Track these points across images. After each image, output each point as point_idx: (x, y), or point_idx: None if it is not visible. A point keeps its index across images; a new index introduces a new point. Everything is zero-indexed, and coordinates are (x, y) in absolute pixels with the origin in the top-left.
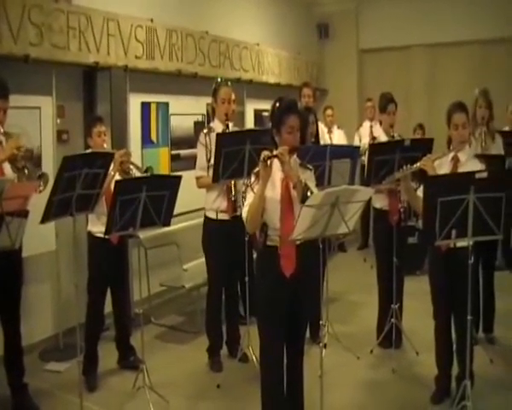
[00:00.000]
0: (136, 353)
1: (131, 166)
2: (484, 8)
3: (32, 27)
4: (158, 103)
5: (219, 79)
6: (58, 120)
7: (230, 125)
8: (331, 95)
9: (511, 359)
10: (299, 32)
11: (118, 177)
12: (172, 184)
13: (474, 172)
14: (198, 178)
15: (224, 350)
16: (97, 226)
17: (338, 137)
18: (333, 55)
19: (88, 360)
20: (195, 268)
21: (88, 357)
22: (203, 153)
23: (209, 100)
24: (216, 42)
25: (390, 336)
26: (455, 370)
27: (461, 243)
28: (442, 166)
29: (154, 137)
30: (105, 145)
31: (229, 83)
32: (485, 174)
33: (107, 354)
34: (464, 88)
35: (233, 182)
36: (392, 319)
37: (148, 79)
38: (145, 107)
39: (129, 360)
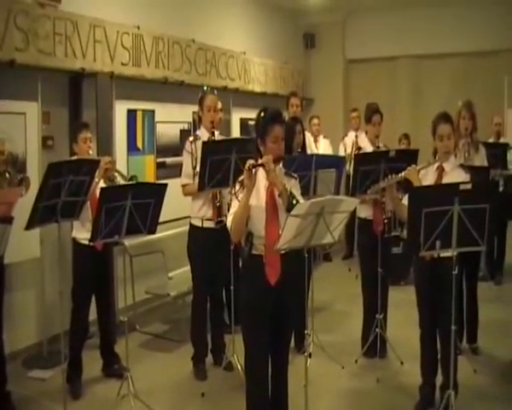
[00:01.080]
0: (121, 360)
1: (116, 174)
2: (467, 22)
3: (17, 32)
4: (144, 111)
5: (205, 88)
6: (43, 126)
7: (216, 133)
8: (317, 104)
9: (494, 369)
10: (286, 41)
11: (102, 184)
12: (158, 191)
13: (458, 184)
14: (184, 186)
15: (209, 359)
16: (82, 233)
17: (323, 147)
18: (319, 65)
19: (72, 368)
20: (181, 276)
21: (72, 365)
22: (189, 161)
23: (195, 108)
24: (202, 50)
25: (375, 345)
26: (439, 379)
27: (445, 254)
28: (427, 176)
29: (139, 144)
30: (90, 152)
31: (216, 91)
32: (469, 185)
33: (92, 362)
34: (448, 99)
35: (218, 190)
36: (377, 329)
37: (134, 86)
38: (131, 114)
39: (113, 367)
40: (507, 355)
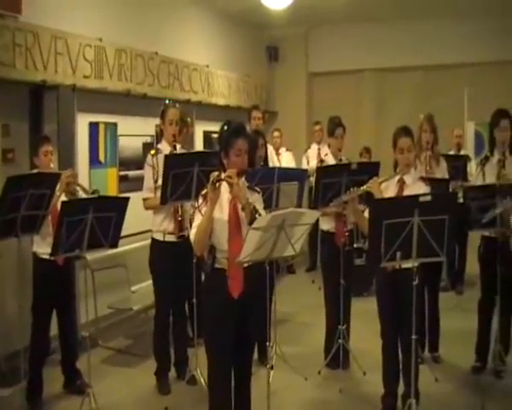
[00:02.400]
0: (83, 377)
1: (78, 188)
2: (428, 36)
3: None
4: (106, 123)
5: (167, 101)
6: (3, 139)
7: (178, 146)
8: (280, 117)
9: (455, 377)
10: (249, 54)
11: (64, 198)
12: (120, 205)
13: (418, 196)
14: (145, 200)
15: (173, 372)
16: (43, 247)
17: (286, 160)
18: (282, 78)
19: (32, 385)
20: (143, 290)
21: (32, 382)
22: (150, 174)
23: (158, 121)
24: (165, 63)
25: (337, 356)
26: (401, 389)
27: (406, 265)
28: (388, 189)
29: (102, 157)
30: (52, 165)
31: (177, 104)
32: (428, 197)
33: (53, 379)
34: (410, 112)
35: (180, 204)
36: (340, 340)
37: (96, 98)
38: (93, 127)
39: (75, 384)
40: (467, 363)
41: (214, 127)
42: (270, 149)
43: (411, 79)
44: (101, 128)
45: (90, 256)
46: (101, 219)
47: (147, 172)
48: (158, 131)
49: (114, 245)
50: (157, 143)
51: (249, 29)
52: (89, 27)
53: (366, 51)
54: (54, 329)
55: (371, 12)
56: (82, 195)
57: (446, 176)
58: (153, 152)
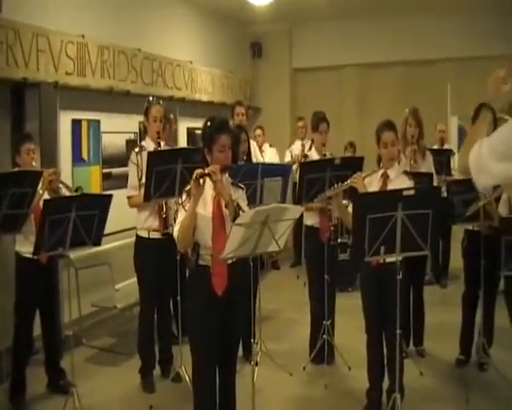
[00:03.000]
0: (67, 376)
1: (61, 186)
2: (411, 31)
3: None
4: (89, 121)
5: (151, 98)
6: None
7: (162, 143)
8: (264, 113)
9: (440, 370)
10: (233, 50)
11: (47, 196)
12: (103, 203)
13: (401, 190)
14: (129, 198)
15: (157, 370)
16: (25, 246)
17: (270, 156)
18: (266, 74)
19: (15, 386)
20: (128, 288)
21: (15, 382)
22: (134, 172)
23: (141, 118)
24: (149, 59)
25: (322, 352)
26: (386, 383)
27: (390, 259)
28: (372, 184)
29: (85, 155)
30: (34, 163)
31: (161, 101)
32: (412, 191)
33: (36, 379)
34: (393, 107)
35: (164, 201)
36: (325, 336)
37: (79, 96)
38: (76, 124)
39: (59, 383)
40: (452, 357)
41: (198, 124)
42: (254, 144)
43: (394, 75)
44: (84, 125)
45: (74, 255)
46: (84, 217)
47: (131, 170)
48: (142, 129)
49: (98, 243)
50: (141, 141)
51: (233, 25)
52: (71, 24)
53: (349, 47)
54: (37, 329)
55: (354, 9)
56: (65, 193)
57: (432, 170)
58: (137, 149)
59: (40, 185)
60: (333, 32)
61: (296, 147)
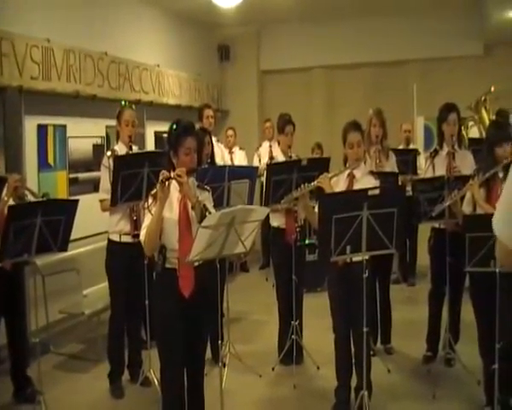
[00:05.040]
0: (34, 384)
1: (27, 192)
2: (376, 33)
3: None
4: (55, 126)
5: (123, 103)
6: None
7: (134, 147)
8: (232, 116)
9: (407, 367)
10: (200, 53)
11: (12, 202)
12: (69, 208)
13: (366, 190)
14: (102, 201)
15: (126, 375)
16: None
17: (239, 158)
18: (234, 77)
19: None
20: (96, 294)
21: None
22: (106, 176)
23: (109, 122)
24: (115, 63)
25: (291, 352)
26: (354, 381)
27: (357, 258)
28: (339, 184)
29: (51, 160)
30: None
31: (134, 106)
32: (377, 191)
33: (2, 388)
34: (360, 108)
35: (134, 204)
36: (293, 336)
37: (44, 100)
38: (41, 129)
39: (25, 392)
40: (419, 353)
41: (165, 127)
42: (222, 147)
43: (361, 76)
44: (50, 130)
45: (41, 261)
46: (49, 222)
47: (103, 174)
48: (108, 133)
49: (64, 249)
50: (109, 145)
51: (200, 28)
52: (36, 28)
53: (316, 49)
54: (2, 337)
55: (321, 11)
56: (31, 199)
57: (396, 170)
58: (109, 153)
59: (5, 192)
60: (300, 35)
61: (264, 149)
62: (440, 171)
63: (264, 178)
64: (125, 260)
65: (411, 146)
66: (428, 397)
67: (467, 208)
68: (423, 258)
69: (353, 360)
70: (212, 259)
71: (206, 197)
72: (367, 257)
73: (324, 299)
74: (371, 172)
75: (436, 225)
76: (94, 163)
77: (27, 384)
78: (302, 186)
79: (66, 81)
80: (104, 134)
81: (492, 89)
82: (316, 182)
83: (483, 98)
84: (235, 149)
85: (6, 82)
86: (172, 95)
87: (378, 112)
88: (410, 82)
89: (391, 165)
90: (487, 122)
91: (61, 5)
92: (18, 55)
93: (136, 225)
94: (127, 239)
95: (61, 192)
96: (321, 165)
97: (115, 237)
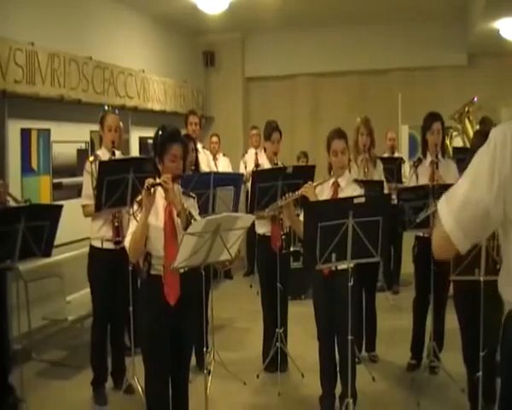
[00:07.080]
0: (16, 391)
1: (9, 198)
2: (362, 41)
3: None
4: (39, 130)
5: (106, 107)
6: None
7: (117, 153)
8: (217, 122)
9: (392, 375)
10: (185, 59)
11: None
12: (53, 213)
13: (352, 198)
14: (84, 207)
15: (109, 382)
16: None
17: (223, 165)
18: (219, 83)
19: None
20: (79, 300)
21: None
22: (89, 181)
23: (93, 127)
24: (100, 68)
25: (275, 360)
26: (339, 389)
27: (342, 266)
28: (323, 192)
29: (34, 165)
30: None
31: (117, 111)
32: (362, 199)
33: None
34: (345, 116)
35: (117, 210)
36: (278, 343)
37: (28, 104)
38: (25, 134)
39: (7, 400)
40: (403, 361)
41: (150, 133)
42: (207, 153)
43: (346, 84)
44: (34, 135)
45: (23, 267)
46: (33, 228)
47: (85, 179)
48: (93, 138)
49: (48, 254)
50: (93, 150)
51: (185, 34)
52: (19, 31)
53: (301, 57)
54: None
55: (306, 19)
56: (13, 205)
57: (383, 178)
58: (91, 159)
59: None
60: (285, 42)
61: (250, 156)
62: (424, 180)
63: (249, 185)
64: (107, 267)
65: (396, 154)
66: (413, 405)
67: None
68: (407, 266)
69: (338, 368)
70: (198, 266)
71: (192, 204)
72: (352, 265)
73: (308, 306)
74: (356, 181)
75: (420, 233)
76: (78, 168)
77: (9, 392)
78: (287, 195)
79: (51, 85)
80: (88, 139)
81: (476, 99)
82: (300, 191)
83: (466, 109)
84: (219, 156)
85: None
86: (157, 100)
87: (366, 120)
88: (394, 90)
89: (378, 173)
90: (471, 133)
91: (45, 9)
92: (1, 58)
93: (118, 231)
94: (109, 245)
95: (45, 197)
96: (306, 173)
97: (97, 243)
